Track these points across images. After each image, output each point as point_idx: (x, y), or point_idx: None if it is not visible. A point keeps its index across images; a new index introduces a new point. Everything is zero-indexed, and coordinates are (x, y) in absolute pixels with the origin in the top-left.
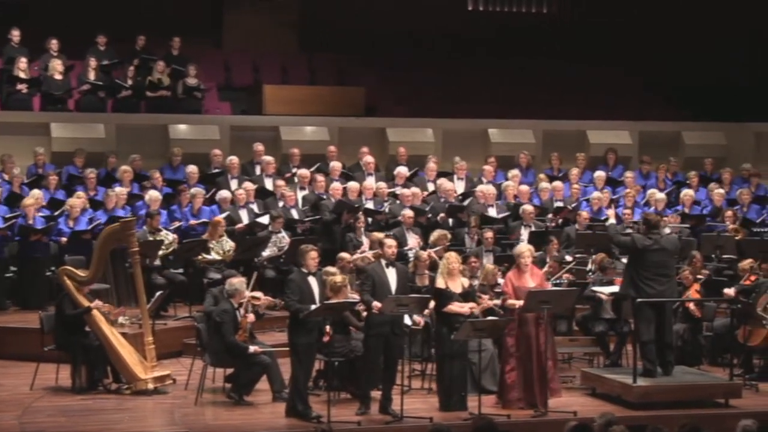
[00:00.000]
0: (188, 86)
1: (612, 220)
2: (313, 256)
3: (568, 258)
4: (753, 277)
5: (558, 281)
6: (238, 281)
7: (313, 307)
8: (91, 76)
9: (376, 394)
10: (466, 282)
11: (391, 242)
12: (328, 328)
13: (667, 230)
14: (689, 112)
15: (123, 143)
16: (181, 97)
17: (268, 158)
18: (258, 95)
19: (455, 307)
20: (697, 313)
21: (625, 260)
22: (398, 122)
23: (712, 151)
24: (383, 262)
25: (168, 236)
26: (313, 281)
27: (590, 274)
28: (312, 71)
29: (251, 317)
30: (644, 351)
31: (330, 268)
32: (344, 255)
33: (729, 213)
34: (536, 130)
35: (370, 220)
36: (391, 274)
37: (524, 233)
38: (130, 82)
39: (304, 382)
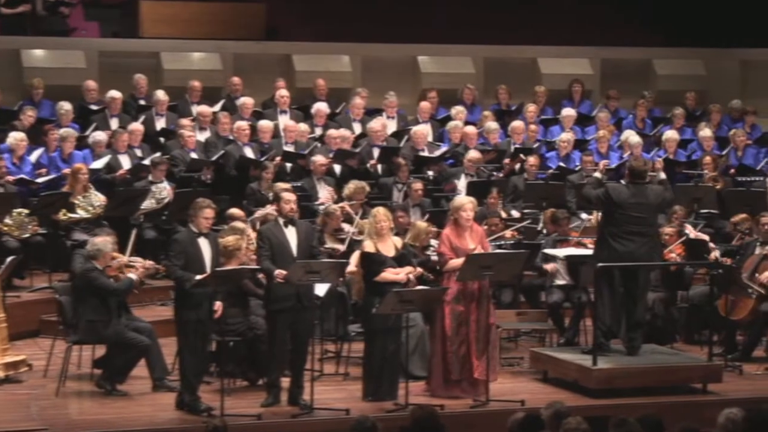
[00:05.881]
0: (50, 1)
1: (597, 174)
2: (207, 214)
3: (515, 213)
4: (743, 237)
5: (501, 242)
6: (101, 240)
7: (199, 276)
8: None
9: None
10: (398, 242)
11: (289, 196)
12: (218, 303)
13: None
14: (661, 37)
15: None
16: (41, 15)
17: (161, 94)
18: (133, 13)
19: (389, 274)
20: (675, 267)
21: (584, 215)
22: (307, 47)
23: (690, 83)
24: (281, 220)
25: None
26: (204, 244)
27: (543, 232)
28: None
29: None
30: (597, 318)
31: (238, 224)
32: (235, 211)
33: (707, 159)
34: (476, 57)
35: (289, 166)
36: (291, 234)
37: (462, 183)
38: None
39: (193, 368)
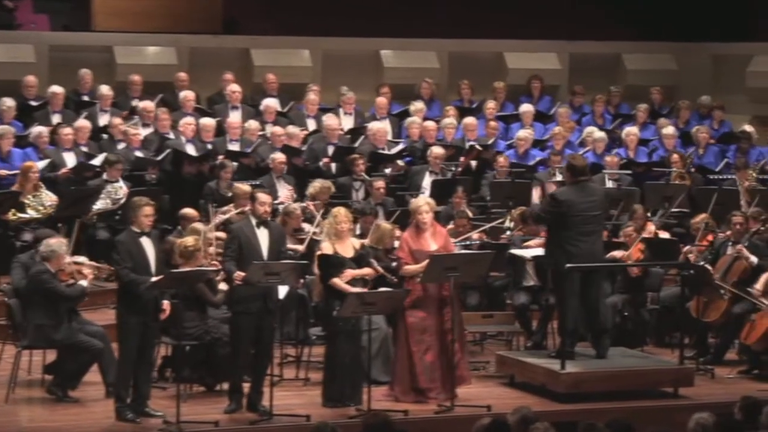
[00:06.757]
0: None
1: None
2: (147, 212)
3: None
4: (710, 237)
5: (467, 242)
6: (56, 242)
7: (155, 278)
8: None
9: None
10: (357, 242)
11: (265, 198)
12: (166, 303)
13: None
14: (631, 30)
15: None
16: None
17: (105, 89)
18: (84, 5)
19: (343, 283)
20: (636, 271)
21: None
22: (266, 41)
23: (660, 78)
24: (253, 220)
25: None
26: (147, 243)
27: (508, 232)
28: None
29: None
30: (564, 325)
31: (197, 225)
32: (188, 211)
33: (675, 156)
34: (440, 52)
35: (235, 165)
36: (263, 236)
37: (426, 181)
38: None
39: (127, 374)
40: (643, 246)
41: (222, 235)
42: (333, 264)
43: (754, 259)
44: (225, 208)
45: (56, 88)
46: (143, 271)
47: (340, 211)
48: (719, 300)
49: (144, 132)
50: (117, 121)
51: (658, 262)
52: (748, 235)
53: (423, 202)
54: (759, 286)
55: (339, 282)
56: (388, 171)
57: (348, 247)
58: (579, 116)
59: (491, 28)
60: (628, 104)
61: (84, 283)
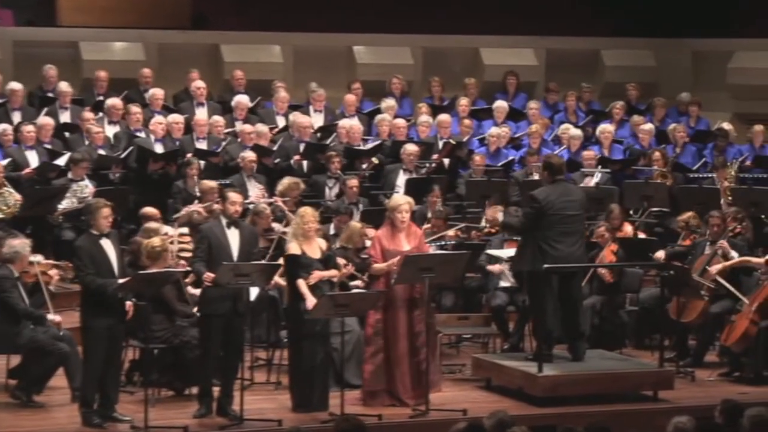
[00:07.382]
0: None
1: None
2: (105, 213)
3: None
4: (692, 237)
5: (442, 243)
6: (19, 243)
7: (122, 280)
8: None
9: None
10: (323, 243)
11: (236, 197)
12: (128, 304)
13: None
14: (609, 26)
15: None
16: None
17: (64, 85)
18: (50, 0)
19: (305, 288)
20: (608, 278)
21: None
22: (236, 37)
23: (639, 74)
24: (223, 220)
25: None
26: (107, 245)
27: (484, 230)
28: None
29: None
30: (541, 328)
31: (151, 224)
32: (149, 210)
33: (657, 154)
34: (415, 47)
35: (203, 164)
36: (233, 236)
37: (401, 180)
38: None
39: (93, 378)
40: (617, 247)
41: (185, 230)
42: (301, 264)
43: (734, 254)
44: (196, 204)
45: (15, 85)
46: (107, 273)
47: (307, 211)
48: (697, 300)
49: (111, 130)
50: (89, 115)
51: (637, 262)
52: (725, 235)
53: (403, 201)
54: (717, 267)
55: (302, 286)
56: (364, 166)
57: (315, 248)
58: (552, 113)
59: (466, 23)
60: (601, 101)
61: (51, 316)
